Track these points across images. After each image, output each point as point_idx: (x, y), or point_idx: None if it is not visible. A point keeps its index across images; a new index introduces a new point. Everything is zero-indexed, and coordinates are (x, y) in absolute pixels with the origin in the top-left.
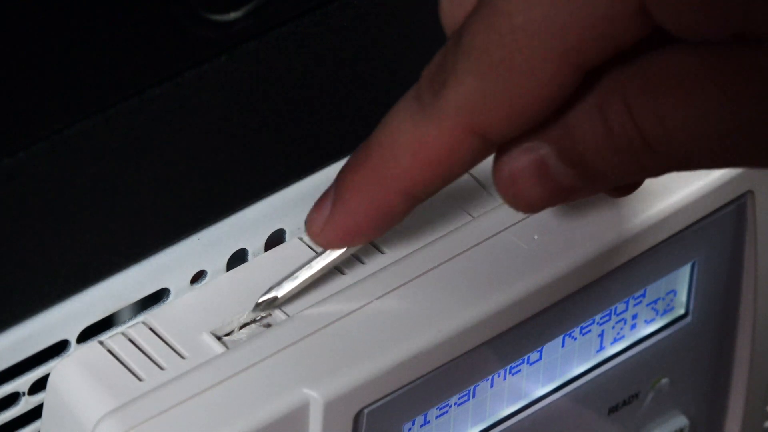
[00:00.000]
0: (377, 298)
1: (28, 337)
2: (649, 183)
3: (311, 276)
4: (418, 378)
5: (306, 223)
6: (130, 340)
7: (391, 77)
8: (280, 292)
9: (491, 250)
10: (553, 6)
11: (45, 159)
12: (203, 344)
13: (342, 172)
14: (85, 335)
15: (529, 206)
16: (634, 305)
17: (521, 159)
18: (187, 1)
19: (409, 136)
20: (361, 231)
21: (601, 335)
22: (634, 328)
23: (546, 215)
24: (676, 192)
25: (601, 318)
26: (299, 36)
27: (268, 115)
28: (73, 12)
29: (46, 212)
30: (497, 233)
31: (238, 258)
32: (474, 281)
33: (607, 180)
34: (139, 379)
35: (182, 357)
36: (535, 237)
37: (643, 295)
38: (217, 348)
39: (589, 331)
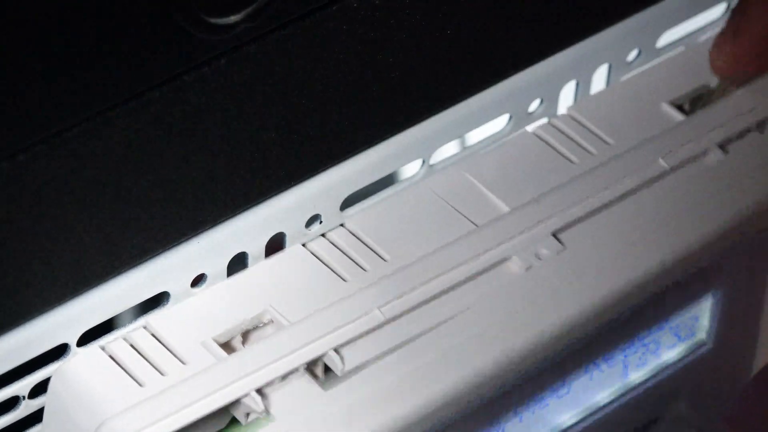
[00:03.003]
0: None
1: (29, 340)
2: (674, 217)
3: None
4: (450, 419)
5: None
6: (132, 345)
7: (391, 78)
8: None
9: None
10: None
11: (45, 162)
12: (205, 351)
13: None
14: (86, 339)
15: None
16: (658, 332)
17: None
18: (188, 3)
19: None
20: None
21: (626, 364)
22: (656, 355)
23: (571, 250)
24: (701, 227)
25: (626, 348)
26: (299, 39)
27: (268, 118)
28: (73, 14)
29: (46, 215)
30: (500, 244)
31: (238, 261)
32: (498, 320)
33: None
34: (140, 385)
35: (184, 363)
36: (544, 251)
37: (667, 323)
38: (219, 354)
39: (615, 361)
